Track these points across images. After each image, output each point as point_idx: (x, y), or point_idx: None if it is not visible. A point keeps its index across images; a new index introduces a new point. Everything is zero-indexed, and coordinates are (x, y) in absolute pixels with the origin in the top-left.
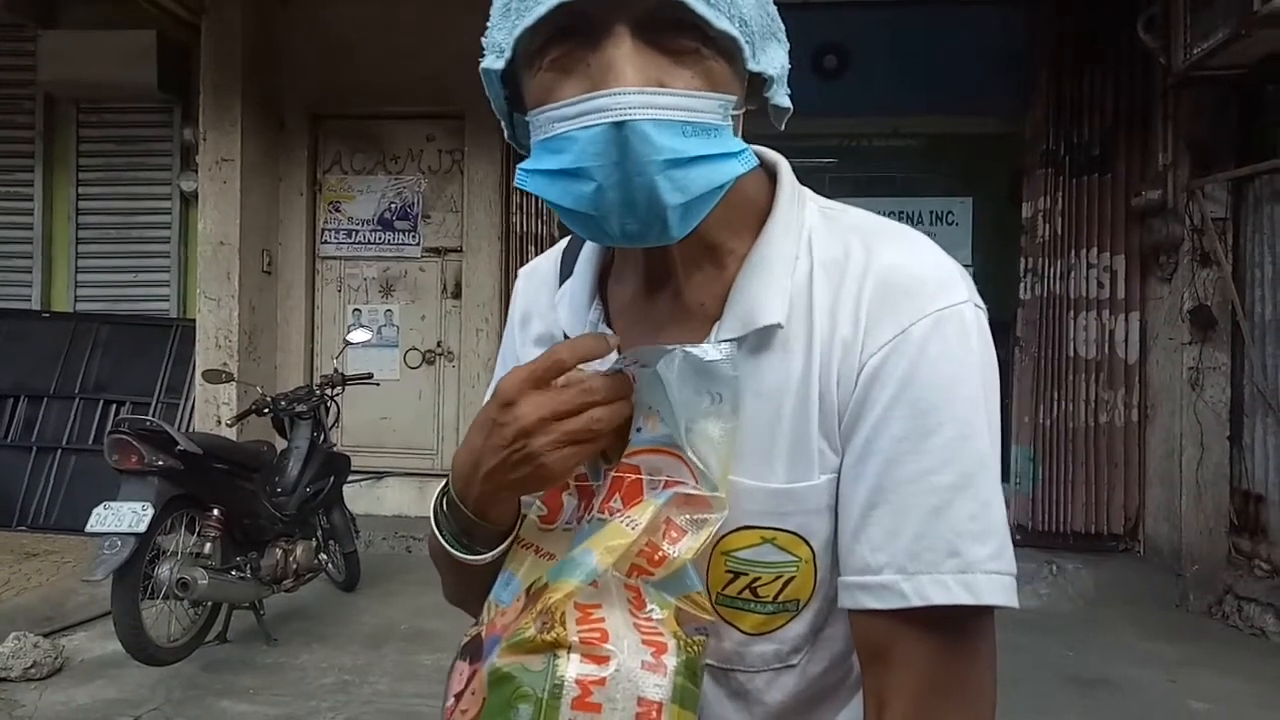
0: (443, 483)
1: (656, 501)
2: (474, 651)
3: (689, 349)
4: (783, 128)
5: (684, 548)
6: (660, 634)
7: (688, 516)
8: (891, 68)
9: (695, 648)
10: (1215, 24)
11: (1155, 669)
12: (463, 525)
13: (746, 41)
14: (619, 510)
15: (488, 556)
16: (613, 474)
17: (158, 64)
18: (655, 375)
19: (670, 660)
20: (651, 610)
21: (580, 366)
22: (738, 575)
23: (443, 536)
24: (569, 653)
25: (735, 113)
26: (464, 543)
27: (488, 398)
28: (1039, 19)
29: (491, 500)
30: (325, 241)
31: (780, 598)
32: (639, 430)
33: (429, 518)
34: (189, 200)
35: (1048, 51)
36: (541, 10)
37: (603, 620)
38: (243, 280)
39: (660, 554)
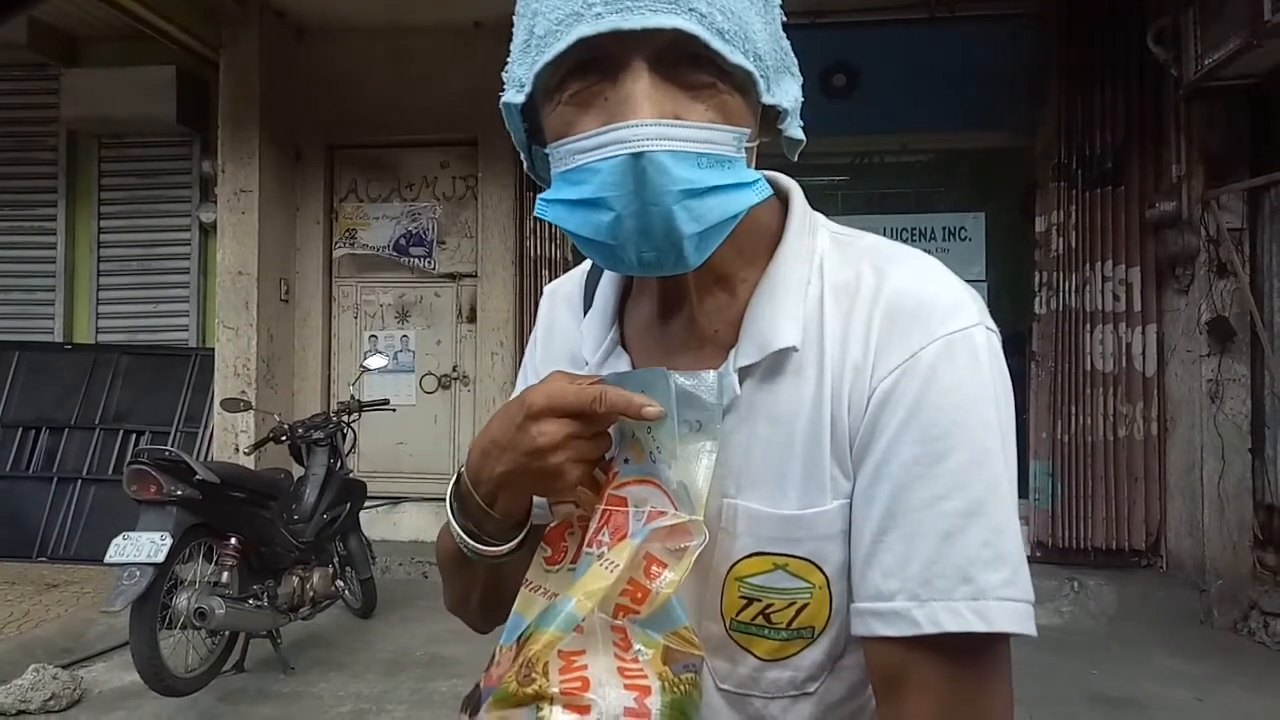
0: (457, 471)
1: (634, 541)
2: (474, 704)
3: (672, 376)
4: (795, 159)
5: (666, 581)
6: (644, 676)
7: (667, 547)
8: (901, 84)
9: (683, 686)
10: (1226, 34)
11: (1182, 687)
12: (473, 516)
13: (761, 75)
14: (606, 544)
15: (495, 550)
16: (601, 507)
17: (177, 99)
18: None
19: (654, 704)
20: (638, 650)
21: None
22: (751, 601)
23: (455, 522)
24: (551, 704)
25: (749, 145)
26: (474, 533)
27: (518, 392)
28: (1049, 33)
29: (499, 491)
30: (341, 269)
31: (794, 624)
32: (626, 461)
33: (445, 505)
34: (208, 231)
35: (1058, 65)
36: (561, 46)
37: (585, 668)
38: (261, 309)
39: (643, 591)
